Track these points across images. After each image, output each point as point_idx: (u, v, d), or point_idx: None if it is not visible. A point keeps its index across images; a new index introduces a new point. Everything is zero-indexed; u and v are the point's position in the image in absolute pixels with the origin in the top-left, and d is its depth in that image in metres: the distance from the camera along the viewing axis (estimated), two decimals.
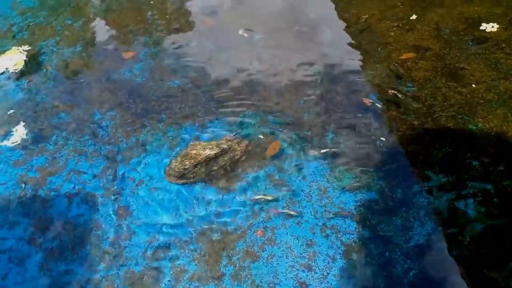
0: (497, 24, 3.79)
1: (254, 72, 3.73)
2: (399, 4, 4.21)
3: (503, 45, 3.61)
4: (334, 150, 3.05)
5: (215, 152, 3.00)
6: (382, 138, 3.08)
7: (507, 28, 3.76)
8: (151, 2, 4.64)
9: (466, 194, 2.73)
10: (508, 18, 3.86)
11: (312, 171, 2.96)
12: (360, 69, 3.64)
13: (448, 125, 3.10)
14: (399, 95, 3.34)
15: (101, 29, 4.38)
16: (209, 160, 2.98)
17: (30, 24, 4.55)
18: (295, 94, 3.49)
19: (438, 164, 2.89)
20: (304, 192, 2.85)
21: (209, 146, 3.05)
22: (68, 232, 2.77)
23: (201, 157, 2.97)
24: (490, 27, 3.76)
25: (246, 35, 4.06)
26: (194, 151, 3.02)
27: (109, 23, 4.47)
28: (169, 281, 2.51)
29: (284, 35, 4.11)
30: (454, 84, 3.36)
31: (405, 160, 2.95)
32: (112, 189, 2.98)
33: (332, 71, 3.64)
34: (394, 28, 3.95)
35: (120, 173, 3.07)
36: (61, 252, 2.67)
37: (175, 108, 3.49)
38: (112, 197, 2.93)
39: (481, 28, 3.78)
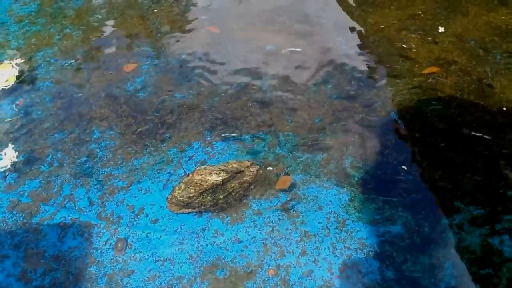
0: None
1: (266, 87, 3.46)
2: (420, 13, 3.92)
3: None
4: (353, 176, 2.79)
5: (223, 178, 2.74)
6: (405, 165, 2.81)
7: None
8: (155, 10, 4.38)
9: (501, 229, 2.45)
10: None
11: (330, 201, 2.69)
12: (380, 85, 3.36)
13: (478, 149, 2.82)
14: (424, 114, 3.07)
15: (102, 39, 4.13)
16: (216, 186, 2.72)
17: (27, 33, 4.31)
18: (309, 113, 3.22)
19: (468, 194, 2.62)
20: (321, 224, 2.58)
21: (216, 171, 2.79)
22: (61, 267, 2.52)
23: (207, 183, 2.71)
24: None
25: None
26: (199, 177, 2.76)
27: (110, 32, 4.22)
28: None
29: (296, 44, 3.84)
30: (482, 103, 3.09)
31: (431, 190, 2.67)
32: (110, 219, 2.73)
33: (349, 88, 3.37)
34: (416, 40, 3.66)
35: (119, 200, 2.82)
36: None
37: (180, 126, 3.24)
38: (110, 228, 2.68)
39: None
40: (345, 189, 2.74)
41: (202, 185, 2.71)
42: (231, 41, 3.96)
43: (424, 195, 2.65)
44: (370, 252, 2.43)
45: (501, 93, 3.12)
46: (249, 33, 4.02)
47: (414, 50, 3.57)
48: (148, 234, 2.63)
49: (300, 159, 2.94)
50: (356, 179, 2.79)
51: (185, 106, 3.39)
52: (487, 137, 2.86)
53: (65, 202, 2.84)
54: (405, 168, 2.77)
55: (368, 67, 3.52)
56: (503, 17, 3.76)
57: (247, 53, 3.81)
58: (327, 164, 2.89)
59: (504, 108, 3.01)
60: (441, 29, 3.64)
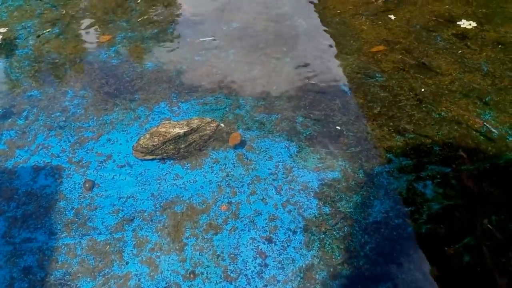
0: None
1: (230, 60, 3.79)
2: (373, 1, 4.33)
3: (469, 43, 3.75)
4: (301, 133, 3.12)
5: (185, 130, 3.04)
6: (348, 123, 3.16)
7: (476, 26, 3.91)
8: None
9: (425, 176, 2.82)
10: (477, 17, 4.01)
11: (280, 152, 3.02)
12: (332, 58, 3.73)
13: (413, 113, 3.19)
14: (367, 84, 3.44)
15: (80, 13, 4.41)
16: (178, 138, 3.02)
17: (9, 7, 4.55)
18: (268, 81, 3.56)
19: (400, 149, 2.98)
20: (271, 170, 2.91)
21: (179, 125, 3.09)
22: (33, 202, 2.77)
23: (170, 134, 3.01)
24: (467, 24, 3.90)
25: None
26: (163, 129, 3.05)
27: (89, 7, 4.50)
28: (131, 250, 2.53)
29: (259, 25, 4.19)
30: (421, 76, 3.48)
31: (368, 144, 3.03)
32: (80, 163, 2.99)
33: (305, 60, 3.73)
34: (367, 23, 4.06)
35: (89, 148, 3.09)
36: (24, 220, 2.67)
37: (148, 89, 3.53)
38: (79, 171, 2.95)
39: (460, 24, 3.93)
40: (294, 143, 3.07)
41: (166, 136, 3.00)
42: (201, 20, 4.28)
43: (362, 149, 3.00)
44: (311, 193, 2.76)
45: (437, 68, 3.52)
46: (219, 12, 4.35)
47: (365, 32, 3.96)
48: (114, 176, 2.91)
49: (256, 119, 3.26)
50: (304, 135, 3.12)
51: (154, 71, 3.68)
52: (419, 99, 3.25)
53: (39, 149, 3.09)
54: (339, 128, 3.12)
55: (324, 45, 3.89)
56: (446, 6, 4.20)
57: (215, 30, 4.14)
58: (280, 123, 3.22)
59: (436, 77, 3.41)
60: (388, 17, 4.04)
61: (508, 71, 3.44)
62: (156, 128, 3.09)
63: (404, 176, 2.82)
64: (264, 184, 2.83)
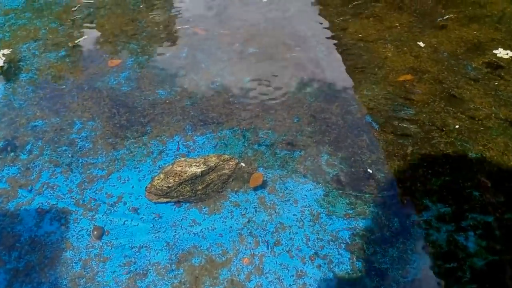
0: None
1: (246, 87, 3.56)
2: (397, 25, 4.11)
3: (502, 73, 3.53)
4: (328, 173, 2.89)
5: (202, 170, 2.81)
6: (378, 163, 2.93)
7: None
8: (141, 6, 4.46)
9: (466, 226, 2.58)
10: (507, 44, 3.78)
11: (305, 195, 2.78)
12: (357, 89, 3.50)
13: (447, 151, 2.96)
14: (396, 118, 3.21)
15: (87, 35, 4.18)
16: (195, 178, 2.78)
17: (13, 26, 4.33)
18: (288, 113, 3.33)
19: (436, 193, 2.75)
20: (296, 216, 2.67)
21: (196, 163, 2.85)
22: (37, 251, 2.53)
23: (186, 174, 2.77)
24: (504, 53, 3.68)
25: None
26: (179, 168, 2.81)
27: (96, 28, 4.27)
28: None
29: (277, 50, 3.97)
30: (453, 109, 3.25)
31: (402, 187, 2.79)
32: (88, 206, 2.75)
33: (327, 91, 3.50)
34: (392, 49, 3.83)
35: (98, 188, 2.85)
36: (27, 273, 2.43)
37: (162, 121, 3.30)
38: (87, 215, 2.70)
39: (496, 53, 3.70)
40: (320, 184, 2.84)
41: (182, 176, 2.76)
42: (215, 42, 4.06)
43: (395, 193, 2.76)
44: (341, 244, 2.52)
45: (470, 101, 3.29)
46: (234, 36, 4.13)
47: (390, 59, 3.73)
48: (125, 222, 2.67)
49: (279, 155, 3.02)
50: (331, 175, 2.88)
51: (167, 102, 3.45)
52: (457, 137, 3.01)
53: (44, 188, 2.85)
54: (369, 171, 2.88)
55: (346, 73, 3.66)
56: (474, 32, 3.97)
57: (231, 55, 3.91)
58: (304, 161, 2.98)
59: (471, 115, 3.17)
60: (414, 43, 3.82)
61: None
62: (171, 166, 2.85)
63: (443, 226, 2.58)
64: (290, 233, 2.58)
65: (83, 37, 4.12)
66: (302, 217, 2.66)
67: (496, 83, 3.44)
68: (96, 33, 4.23)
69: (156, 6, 4.63)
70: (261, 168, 2.94)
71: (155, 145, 3.13)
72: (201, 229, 2.62)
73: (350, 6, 4.46)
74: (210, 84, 3.61)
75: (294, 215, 2.68)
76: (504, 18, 4.14)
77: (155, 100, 3.47)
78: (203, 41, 4.10)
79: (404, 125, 3.17)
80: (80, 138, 3.19)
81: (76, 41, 4.07)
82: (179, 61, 3.85)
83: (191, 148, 3.10)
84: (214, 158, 2.91)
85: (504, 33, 3.96)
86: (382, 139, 3.09)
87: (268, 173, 2.90)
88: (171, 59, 3.88)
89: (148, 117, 3.33)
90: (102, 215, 2.70)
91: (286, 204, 2.74)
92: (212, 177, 2.82)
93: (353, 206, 2.71)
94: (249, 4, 4.67)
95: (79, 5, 4.62)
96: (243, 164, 2.92)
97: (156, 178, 2.79)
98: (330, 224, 2.62)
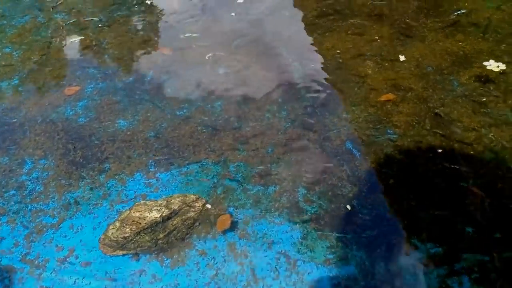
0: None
1: (216, 113, 3.26)
2: (377, 38, 3.84)
3: (491, 87, 3.27)
4: (306, 211, 2.59)
5: (164, 214, 2.50)
6: (360, 197, 2.64)
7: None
8: (104, 30, 4.14)
9: (460, 269, 2.30)
10: (495, 55, 3.53)
11: (281, 238, 2.48)
12: (335, 112, 3.22)
13: (436, 181, 2.68)
14: (379, 144, 2.93)
15: (44, 60, 3.85)
16: (155, 224, 2.47)
17: None
18: (262, 141, 3.03)
19: (426, 230, 2.47)
20: (270, 265, 2.37)
21: (157, 207, 2.54)
22: None
23: (145, 221, 2.46)
24: (495, 66, 3.41)
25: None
26: (137, 214, 2.50)
27: (54, 53, 3.94)
28: None
29: (253, 71, 3.68)
30: (440, 132, 2.98)
31: (387, 225, 2.51)
32: (35, 263, 2.43)
33: (304, 115, 3.21)
34: (372, 65, 3.56)
35: (47, 240, 2.52)
36: None
37: (121, 156, 2.98)
38: (34, 273, 2.38)
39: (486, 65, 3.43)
40: (297, 225, 2.54)
41: (140, 224, 2.45)
42: (183, 63, 3.76)
43: (380, 231, 2.48)
44: None
45: (458, 121, 3.03)
46: (203, 55, 3.83)
47: (370, 76, 3.46)
48: (76, 281, 2.34)
49: (251, 192, 2.73)
50: (309, 214, 2.59)
51: (128, 133, 3.14)
52: (446, 167, 2.74)
53: None
54: (351, 208, 2.59)
55: (324, 93, 3.38)
56: (460, 43, 3.72)
57: (200, 76, 3.61)
58: (279, 197, 2.69)
59: (460, 138, 2.90)
60: (395, 57, 3.55)
61: None
62: (128, 212, 2.54)
63: (434, 270, 2.30)
64: (263, 287, 2.28)
65: (39, 60, 3.79)
66: (277, 266, 2.36)
67: (485, 99, 3.19)
68: (54, 57, 3.90)
69: (118, 23, 4.31)
70: (232, 208, 2.64)
71: (113, 185, 2.81)
72: (162, 286, 2.30)
73: (327, 19, 4.18)
74: (177, 111, 3.30)
75: (268, 263, 2.38)
76: (491, 27, 3.89)
77: (115, 132, 3.16)
78: (170, 62, 3.79)
79: (388, 151, 2.89)
80: (30, 180, 2.86)
81: (31, 66, 3.74)
82: (143, 86, 3.54)
83: (154, 187, 2.79)
84: (178, 200, 2.61)
85: (492, 43, 3.70)
86: (364, 168, 2.81)
87: (239, 214, 2.60)
88: (134, 84, 3.57)
89: (106, 152, 3.01)
90: (51, 273, 2.38)
91: (259, 250, 2.44)
92: (175, 222, 2.51)
93: (334, 250, 2.41)
94: (222, 21, 4.38)
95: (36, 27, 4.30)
96: (209, 206, 2.62)
97: (111, 227, 2.47)
98: (308, 273, 2.32)
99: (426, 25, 3.94)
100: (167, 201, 2.59)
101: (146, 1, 4.61)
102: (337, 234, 2.48)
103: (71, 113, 3.32)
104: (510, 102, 3.14)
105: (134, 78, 3.62)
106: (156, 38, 4.06)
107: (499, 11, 4.14)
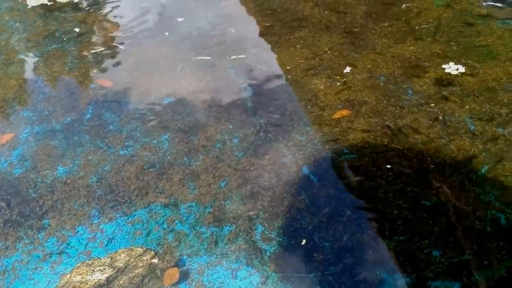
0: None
1: (163, 149, 3.04)
2: (327, 49, 3.70)
3: (445, 93, 3.16)
4: (264, 251, 2.41)
5: (108, 275, 2.27)
6: (321, 229, 2.47)
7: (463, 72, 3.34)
8: (39, 66, 3.85)
9: None
10: (449, 57, 3.44)
11: (239, 286, 2.29)
12: (289, 135, 3.05)
13: (398, 202, 2.54)
14: (337, 166, 2.78)
15: None
16: None
17: None
18: (214, 176, 2.83)
19: (391, 260, 2.32)
20: None
21: (100, 267, 2.31)
22: None
23: (87, 286, 2.23)
24: (454, 68, 3.31)
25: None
26: (78, 277, 2.27)
27: None
28: None
29: (199, 97, 3.47)
30: (398, 147, 2.84)
31: (350, 257, 2.34)
32: None
33: (256, 141, 3.03)
34: (324, 80, 3.41)
35: None
36: None
37: (62, 209, 2.73)
38: None
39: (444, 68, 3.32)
40: (255, 269, 2.35)
41: None
42: (124, 96, 3.52)
43: (344, 265, 2.31)
44: None
45: (416, 134, 2.90)
46: (145, 85, 3.61)
47: (323, 92, 3.31)
48: None
49: (205, 236, 2.52)
50: (268, 254, 2.41)
51: (68, 181, 2.89)
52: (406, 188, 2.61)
53: None
54: (306, 242, 2.42)
55: (276, 115, 3.20)
56: (411, 48, 3.62)
57: (143, 108, 3.39)
58: (234, 239, 2.49)
59: (419, 151, 2.78)
60: (347, 69, 3.41)
61: (499, 127, 2.86)
62: (68, 276, 2.30)
63: None
64: None
65: None
66: None
67: (442, 106, 3.08)
68: None
69: (54, 57, 4.03)
70: (185, 257, 2.43)
71: (53, 244, 2.56)
72: None
73: (273, 33, 4.02)
74: (120, 150, 3.07)
75: None
76: (442, 27, 3.81)
77: (54, 182, 2.90)
78: (111, 95, 3.55)
79: (346, 174, 2.74)
80: None
81: None
82: (82, 126, 3.28)
83: (98, 241, 2.55)
84: (123, 255, 2.38)
85: (444, 44, 3.62)
86: (322, 195, 2.64)
87: (193, 263, 2.39)
88: (73, 124, 3.31)
89: (45, 206, 2.76)
90: None
91: None
92: (121, 282, 2.29)
93: None
94: (162, 44, 4.16)
95: None
96: (156, 261, 2.39)
97: None
98: None
99: (375, 32, 3.83)
100: (111, 258, 2.36)
101: (75, 29, 4.34)
102: (300, 275, 2.30)
103: (5, 164, 3.04)
104: (467, 107, 3.04)
105: (72, 117, 3.36)
106: (94, 70, 3.80)
107: (448, 8, 4.08)
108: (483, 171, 2.64)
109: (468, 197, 2.52)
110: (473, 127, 2.89)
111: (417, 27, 3.84)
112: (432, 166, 2.71)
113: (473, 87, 3.17)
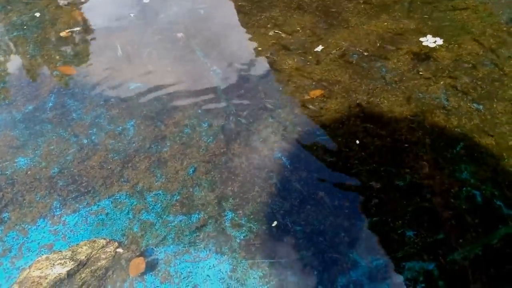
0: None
1: (129, 136, 2.91)
2: (299, 29, 3.58)
3: (420, 69, 3.08)
4: (234, 238, 2.31)
5: (69, 268, 2.15)
6: (292, 213, 2.38)
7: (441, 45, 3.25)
8: None
9: (405, 281, 2.09)
10: (423, 32, 3.35)
11: (207, 275, 2.19)
12: (261, 117, 2.94)
13: (370, 183, 2.46)
14: (309, 148, 2.68)
15: None
16: (60, 282, 2.13)
17: None
18: (182, 162, 2.72)
19: (364, 241, 2.24)
20: None
21: (60, 260, 2.19)
22: None
23: (47, 280, 2.11)
24: (432, 41, 3.23)
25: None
26: (37, 272, 2.14)
27: None
28: None
29: (168, 81, 3.34)
30: (371, 126, 2.76)
31: (323, 242, 2.26)
32: None
33: (227, 124, 2.91)
34: (296, 60, 3.30)
35: None
36: None
37: (22, 201, 2.59)
38: None
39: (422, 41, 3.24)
40: (225, 256, 2.26)
41: (41, 284, 2.10)
42: (88, 82, 3.36)
43: (316, 249, 2.23)
44: None
45: (389, 112, 2.82)
46: (110, 70, 3.45)
47: (295, 72, 3.20)
48: None
49: (172, 224, 2.42)
50: (238, 241, 2.31)
51: (29, 173, 2.75)
52: (379, 170, 2.53)
53: None
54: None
55: (247, 98, 3.09)
56: (385, 24, 3.52)
57: (108, 95, 3.24)
58: (203, 226, 2.39)
59: (392, 130, 2.70)
60: (319, 48, 3.30)
61: (474, 103, 2.80)
62: (27, 271, 2.18)
63: (378, 286, 2.08)
64: None
65: None
66: None
67: (416, 82, 3.00)
68: None
69: (15, 45, 3.84)
70: (151, 247, 2.32)
71: (13, 238, 2.43)
72: None
73: (244, 13, 3.88)
74: (84, 139, 2.93)
75: None
76: (415, 2, 3.72)
77: (14, 173, 2.75)
78: (75, 82, 3.38)
79: (318, 155, 2.65)
80: None
81: None
82: (44, 115, 3.12)
83: (60, 234, 2.42)
84: (85, 248, 2.26)
85: (418, 20, 3.53)
86: (294, 179, 2.55)
87: (160, 253, 2.29)
88: (35, 113, 3.15)
89: (5, 200, 2.61)
90: None
91: None
92: (83, 275, 2.17)
93: (267, 280, 2.15)
94: (129, 27, 3.99)
95: None
96: (121, 250, 2.29)
97: None
98: None
99: (348, 9, 3.72)
100: (72, 251, 2.24)
101: (35, 14, 4.15)
102: (270, 260, 2.22)
103: None
104: (442, 83, 2.97)
105: (34, 106, 3.19)
106: (57, 57, 3.63)
107: None
108: (458, 148, 2.57)
109: (442, 175, 2.45)
110: (447, 103, 2.82)
111: (391, 3, 3.74)
112: (406, 145, 2.63)
113: (448, 62, 3.10)
